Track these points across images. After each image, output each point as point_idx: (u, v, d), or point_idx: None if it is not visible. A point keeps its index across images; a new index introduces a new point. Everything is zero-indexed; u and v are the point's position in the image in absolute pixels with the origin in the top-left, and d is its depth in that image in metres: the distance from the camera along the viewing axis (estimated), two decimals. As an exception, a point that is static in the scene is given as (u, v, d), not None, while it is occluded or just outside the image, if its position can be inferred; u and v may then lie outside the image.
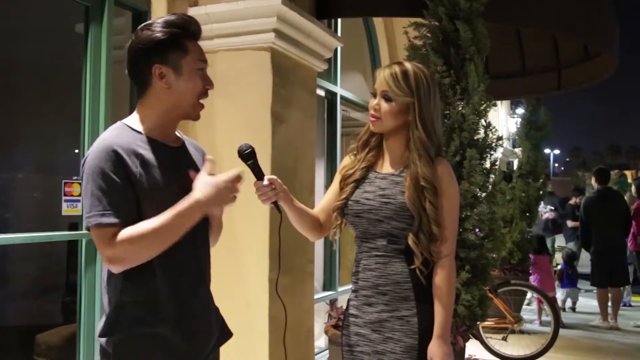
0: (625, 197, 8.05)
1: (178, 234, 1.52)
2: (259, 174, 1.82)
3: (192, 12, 3.30)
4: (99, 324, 1.60)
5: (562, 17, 4.47)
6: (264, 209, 3.03)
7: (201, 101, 1.66)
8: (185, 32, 1.62)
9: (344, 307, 2.17)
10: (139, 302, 1.55)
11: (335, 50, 4.63)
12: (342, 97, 5.15)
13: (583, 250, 7.92)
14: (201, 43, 1.68)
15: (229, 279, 3.33)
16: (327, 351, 4.01)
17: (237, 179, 1.60)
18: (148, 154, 1.56)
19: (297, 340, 3.53)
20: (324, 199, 2.09)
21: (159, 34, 1.58)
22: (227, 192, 1.58)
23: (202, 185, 1.57)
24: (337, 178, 2.06)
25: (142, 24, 1.64)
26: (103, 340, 1.57)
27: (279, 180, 1.85)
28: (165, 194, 1.55)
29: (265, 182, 1.82)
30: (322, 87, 4.71)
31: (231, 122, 3.35)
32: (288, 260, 3.39)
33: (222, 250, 3.34)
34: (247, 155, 1.80)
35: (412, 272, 1.86)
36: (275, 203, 1.87)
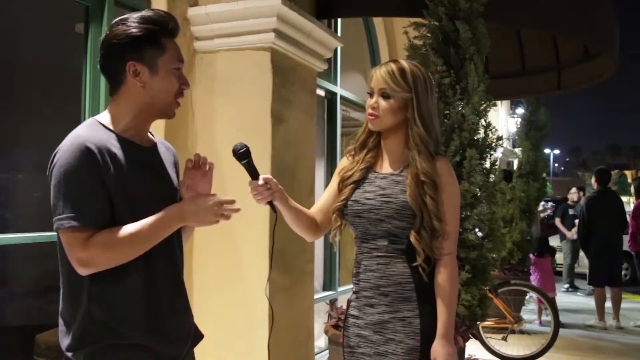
0: (633, 199, 8.08)
1: (153, 242, 1.50)
2: (254, 174, 1.80)
3: (192, 12, 3.30)
4: (62, 336, 1.51)
5: (562, 17, 4.47)
6: (264, 209, 3.01)
7: (178, 100, 1.61)
8: (163, 29, 1.54)
9: (344, 307, 2.16)
10: (110, 312, 1.48)
11: (335, 50, 4.62)
12: (342, 97, 5.15)
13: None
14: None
15: (228, 279, 3.33)
16: (327, 351, 4.01)
17: (225, 202, 1.58)
18: (121, 154, 1.50)
19: (297, 340, 3.53)
20: (321, 199, 2.07)
21: (134, 30, 1.50)
22: (209, 214, 1.56)
23: (189, 200, 1.57)
24: (335, 179, 2.04)
25: (118, 18, 1.56)
26: (70, 354, 1.48)
27: (274, 180, 1.83)
28: (137, 195, 1.51)
29: (261, 181, 1.80)
30: (322, 87, 4.71)
31: (231, 122, 3.35)
32: (288, 260, 3.39)
33: (222, 250, 3.37)
34: (242, 155, 1.78)
35: (414, 272, 1.85)
36: (270, 203, 1.85)
